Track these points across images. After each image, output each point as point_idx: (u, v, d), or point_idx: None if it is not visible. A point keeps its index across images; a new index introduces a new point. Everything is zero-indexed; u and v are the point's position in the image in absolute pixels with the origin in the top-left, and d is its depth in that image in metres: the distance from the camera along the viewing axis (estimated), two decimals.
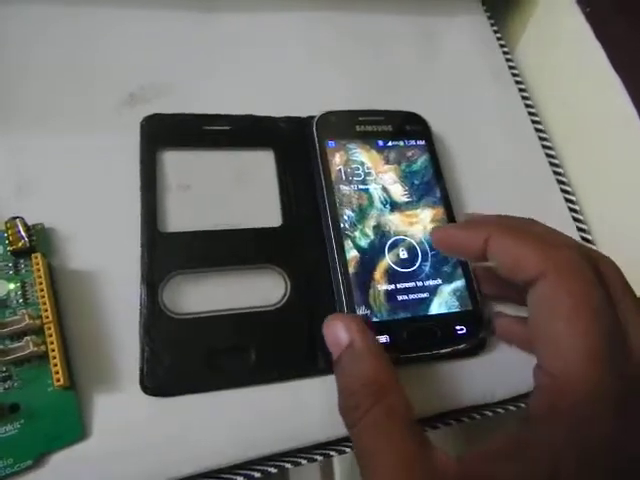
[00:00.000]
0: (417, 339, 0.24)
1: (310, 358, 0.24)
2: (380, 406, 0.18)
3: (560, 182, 0.32)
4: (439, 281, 0.26)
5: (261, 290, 0.25)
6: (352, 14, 0.35)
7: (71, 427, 0.21)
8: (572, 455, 0.15)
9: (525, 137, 0.33)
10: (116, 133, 0.27)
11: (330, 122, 0.29)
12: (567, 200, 0.31)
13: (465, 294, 0.26)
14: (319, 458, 0.23)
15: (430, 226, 0.27)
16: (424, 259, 0.26)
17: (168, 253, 0.25)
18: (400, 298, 0.25)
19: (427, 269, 0.26)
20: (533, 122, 0.34)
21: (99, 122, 0.28)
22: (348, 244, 0.26)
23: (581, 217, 0.31)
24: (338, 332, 0.21)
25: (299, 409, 0.23)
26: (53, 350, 0.21)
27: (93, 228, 0.25)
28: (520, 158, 0.32)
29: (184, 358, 0.22)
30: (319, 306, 0.25)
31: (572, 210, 0.31)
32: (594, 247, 0.30)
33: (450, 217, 0.28)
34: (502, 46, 0.36)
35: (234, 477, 0.22)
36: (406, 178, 0.28)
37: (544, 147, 0.33)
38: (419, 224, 0.27)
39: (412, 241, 0.27)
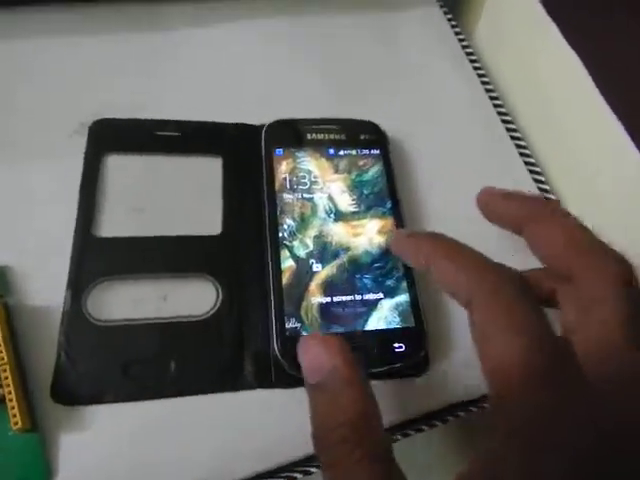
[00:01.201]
0: None
1: (236, 372, 0.23)
2: (368, 444, 0.16)
3: (527, 163, 0.31)
4: (380, 295, 0.25)
5: (192, 299, 0.24)
6: (305, 16, 0.34)
7: (36, 470, 0.20)
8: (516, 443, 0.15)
9: (490, 126, 0.32)
10: (69, 162, 0.26)
11: (280, 130, 0.28)
12: (537, 181, 0.31)
13: (408, 310, 0.24)
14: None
15: (377, 237, 0.26)
16: (366, 272, 0.25)
17: (99, 258, 0.24)
18: (335, 312, 0.24)
19: (368, 282, 0.25)
20: (496, 107, 0.33)
21: (50, 154, 0.27)
22: (285, 254, 0.25)
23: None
24: (317, 355, 0.18)
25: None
26: (10, 392, 0.20)
27: (47, 263, 0.24)
28: (488, 149, 0.32)
29: (99, 366, 0.22)
30: (250, 318, 0.24)
31: (542, 191, 0.30)
32: None
33: (400, 227, 0.26)
34: (457, 33, 0.36)
35: None
36: (356, 188, 0.27)
37: (512, 138, 0.32)
38: (364, 235, 0.26)
39: (354, 252, 0.25)
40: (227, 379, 0.23)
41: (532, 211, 0.22)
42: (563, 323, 0.20)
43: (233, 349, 0.23)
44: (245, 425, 0.22)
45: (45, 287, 0.23)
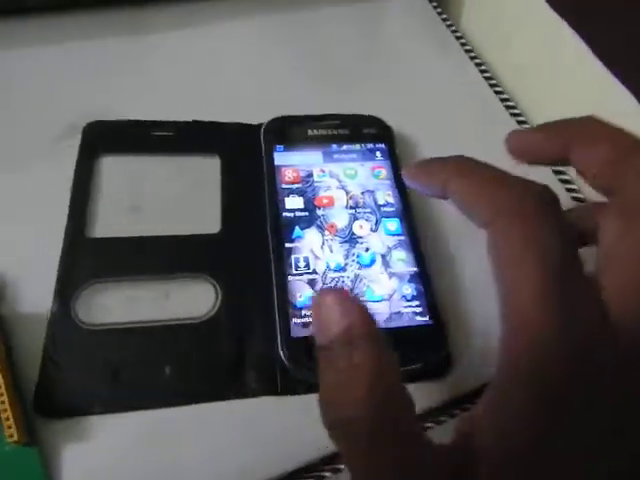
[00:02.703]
0: None
1: (236, 378, 0.21)
2: (390, 423, 0.13)
3: None
4: (394, 292, 0.23)
5: (189, 301, 0.22)
6: (298, 12, 0.34)
7: None
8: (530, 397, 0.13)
9: (490, 107, 0.32)
10: (59, 165, 0.25)
11: (280, 127, 0.27)
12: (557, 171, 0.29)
13: (425, 307, 0.22)
14: None
15: (385, 234, 0.24)
16: (376, 269, 0.23)
17: (90, 259, 0.23)
18: None
19: (380, 280, 0.23)
20: (492, 87, 0.33)
21: (39, 159, 0.26)
22: (289, 252, 0.23)
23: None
24: (330, 310, 0.15)
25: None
26: (4, 404, 0.18)
27: (37, 267, 0.22)
28: (491, 132, 0.30)
29: (87, 374, 0.20)
30: (251, 320, 0.22)
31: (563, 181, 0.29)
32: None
33: (410, 225, 0.25)
34: (444, 20, 0.36)
35: None
36: (362, 184, 0.26)
37: (512, 115, 0.32)
38: (372, 232, 0.24)
39: (362, 250, 0.24)
40: (227, 386, 0.21)
41: (571, 135, 0.18)
42: (599, 252, 0.16)
43: (234, 353, 0.21)
44: (248, 435, 0.20)
45: (35, 293, 0.22)
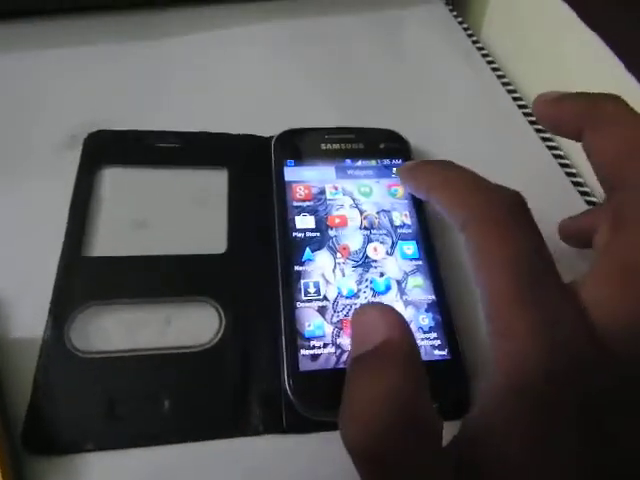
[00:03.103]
0: None
1: (239, 414, 0.19)
2: (412, 453, 0.12)
3: (556, 156, 0.29)
4: (409, 322, 0.21)
5: (191, 327, 0.21)
6: (312, 21, 0.33)
7: None
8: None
9: (512, 119, 0.31)
10: (59, 178, 0.24)
11: (291, 141, 0.26)
12: (562, 165, 0.29)
13: (443, 340, 0.21)
14: None
15: (401, 258, 0.23)
16: (391, 297, 0.22)
17: (87, 280, 0.21)
18: None
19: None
20: (515, 100, 0.31)
21: (37, 171, 0.24)
22: (298, 277, 0.22)
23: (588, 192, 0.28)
24: (371, 321, 0.14)
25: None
26: None
27: (31, 288, 0.21)
28: (512, 145, 0.30)
29: (80, 406, 0.18)
30: (257, 349, 0.21)
31: (584, 194, 0.28)
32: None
33: (428, 249, 0.23)
34: (466, 29, 0.35)
35: None
36: (377, 203, 0.24)
37: (536, 131, 0.30)
38: (388, 255, 0.23)
39: (377, 275, 0.22)
40: (230, 423, 0.19)
41: (588, 115, 0.18)
42: (595, 249, 0.16)
43: (237, 387, 0.20)
44: (252, 477, 0.19)
45: (31, 314, 0.20)
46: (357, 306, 0.21)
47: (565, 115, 0.18)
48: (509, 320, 0.14)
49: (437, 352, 0.21)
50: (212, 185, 0.25)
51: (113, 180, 0.24)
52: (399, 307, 0.21)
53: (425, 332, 0.21)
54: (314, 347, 0.20)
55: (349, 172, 0.25)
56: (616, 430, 0.13)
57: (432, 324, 0.21)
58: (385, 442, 0.12)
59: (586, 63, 0.29)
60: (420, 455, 0.13)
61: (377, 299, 0.22)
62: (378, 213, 0.24)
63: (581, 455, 0.12)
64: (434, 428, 0.13)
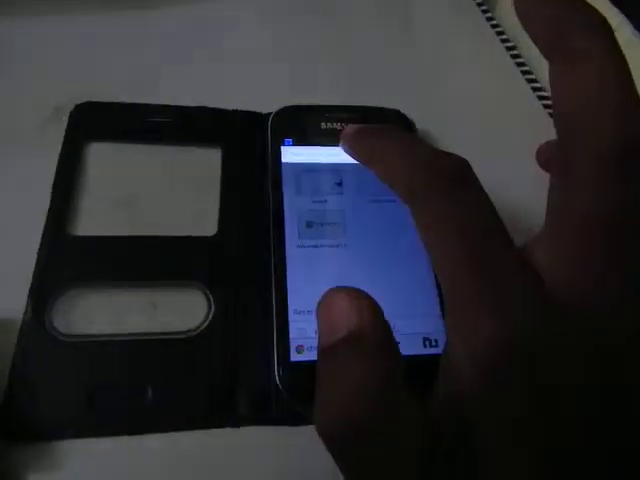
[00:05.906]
0: None
1: (225, 404, 0.19)
2: (389, 449, 0.12)
3: None
4: (408, 315, 0.20)
5: (178, 312, 0.20)
6: None
7: None
8: None
9: (526, 102, 0.29)
10: (42, 153, 0.22)
11: (290, 118, 0.24)
12: None
13: (443, 335, 0.20)
14: None
15: (403, 247, 0.22)
16: (390, 287, 0.21)
17: (71, 261, 0.20)
18: None
19: (393, 300, 0.20)
20: (530, 82, 0.30)
21: (20, 145, 0.23)
22: (292, 264, 0.21)
23: None
24: (339, 308, 0.14)
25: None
26: None
27: (17, 271, 0.20)
28: (526, 129, 0.27)
29: (60, 392, 0.18)
30: (246, 337, 0.20)
31: None
32: None
33: None
34: (480, 4, 0.33)
35: None
36: (378, 187, 0.23)
37: (545, 107, 0.29)
38: (387, 243, 0.22)
39: (375, 265, 0.21)
40: (216, 412, 0.18)
41: (559, 36, 0.14)
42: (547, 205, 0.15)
43: (224, 376, 0.19)
44: (237, 469, 0.18)
45: (8, 296, 0.19)
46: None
47: (537, 23, 0.15)
48: (460, 293, 0.13)
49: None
50: (204, 163, 0.24)
51: (99, 156, 0.23)
52: None
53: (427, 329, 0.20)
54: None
55: None
56: (554, 381, 0.12)
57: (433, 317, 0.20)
58: (356, 433, 0.12)
59: None
60: (390, 440, 0.12)
61: None
62: (376, 189, 0.23)
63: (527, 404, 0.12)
64: (408, 412, 0.13)
